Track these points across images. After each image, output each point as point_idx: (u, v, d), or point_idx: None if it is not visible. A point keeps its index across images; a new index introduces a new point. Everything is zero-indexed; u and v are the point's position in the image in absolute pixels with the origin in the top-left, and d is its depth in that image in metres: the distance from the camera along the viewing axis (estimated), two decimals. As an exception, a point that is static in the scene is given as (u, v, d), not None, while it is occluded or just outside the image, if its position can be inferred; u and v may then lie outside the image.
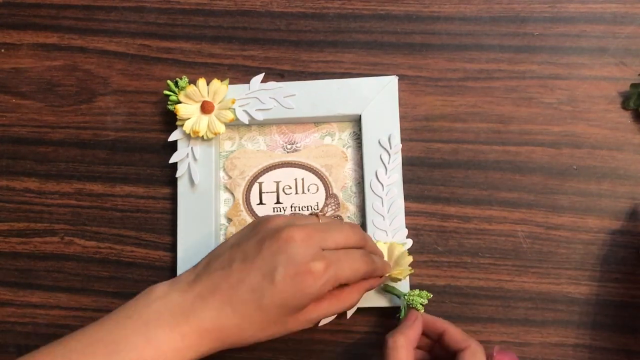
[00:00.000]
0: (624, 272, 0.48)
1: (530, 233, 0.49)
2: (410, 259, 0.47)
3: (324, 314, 0.41)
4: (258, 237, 0.40)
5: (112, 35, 0.55)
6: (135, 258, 0.52)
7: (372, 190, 0.49)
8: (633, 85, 0.50)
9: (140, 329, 0.38)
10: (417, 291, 0.47)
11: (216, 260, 0.41)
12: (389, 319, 0.48)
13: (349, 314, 0.48)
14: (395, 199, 0.49)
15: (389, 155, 0.49)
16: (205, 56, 0.54)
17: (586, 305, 0.48)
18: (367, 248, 0.44)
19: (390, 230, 0.49)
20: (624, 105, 0.50)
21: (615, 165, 0.50)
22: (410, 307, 0.46)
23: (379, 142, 0.49)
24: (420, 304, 0.46)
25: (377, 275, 0.44)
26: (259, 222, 0.42)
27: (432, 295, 0.47)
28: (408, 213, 0.50)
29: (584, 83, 0.51)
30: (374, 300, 0.48)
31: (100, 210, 0.53)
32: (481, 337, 0.48)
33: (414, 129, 0.51)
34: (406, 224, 0.49)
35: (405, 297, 0.46)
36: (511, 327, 0.48)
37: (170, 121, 0.52)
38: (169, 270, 0.51)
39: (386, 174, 0.49)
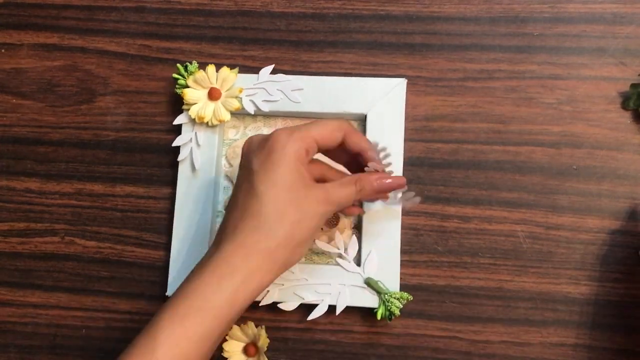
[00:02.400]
0: (624, 272, 0.48)
1: (530, 233, 0.49)
2: (266, 341, 0.47)
3: (332, 192, 0.41)
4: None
5: (112, 35, 0.55)
6: (136, 258, 0.52)
7: None
8: (633, 85, 0.50)
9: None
10: (398, 293, 0.47)
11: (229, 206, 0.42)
12: (389, 319, 0.48)
13: (339, 310, 0.48)
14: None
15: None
16: (205, 56, 0.54)
17: (586, 305, 0.48)
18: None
19: (384, 237, 0.49)
20: (624, 105, 0.50)
21: (615, 165, 0.50)
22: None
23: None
24: (397, 307, 0.47)
25: (357, 138, 0.43)
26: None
27: (412, 298, 0.47)
28: (407, 213, 0.50)
29: (584, 83, 0.51)
30: (374, 302, 0.48)
31: (100, 210, 0.53)
32: (481, 337, 0.48)
33: (414, 129, 0.51)
34: (406, 224, 0.49)
35: (385, 296, 0.47)
36: (511, 327, 0.48)
37: (171, 121, 0.52)
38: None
39: None
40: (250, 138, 0.42)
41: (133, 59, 0.54)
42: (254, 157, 0.40)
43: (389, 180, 0.43)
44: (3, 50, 0.56)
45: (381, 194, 0.44)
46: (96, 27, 0.55)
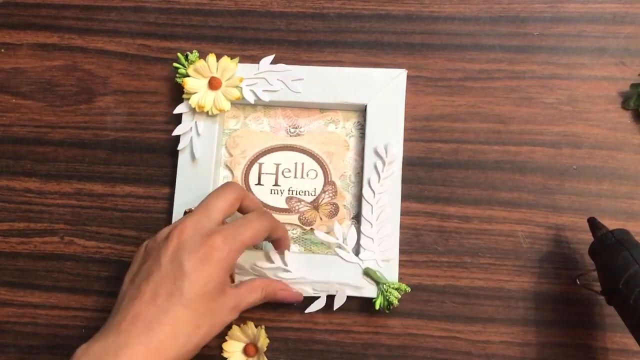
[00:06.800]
0: (624, 272, 0.48)
1: (530, 233, 0.49)
2: (265, 341, 0.48)
3: (242, 300, 0.43)
4: (152, 254, 0.41)
5: (112, 35, 0.55)
6: (135, 258, 0.52)
7: (370, 186, 0.49)
8: (633, 85, 0.50)
9: None
10: (396, 284, 0.47)
11: (122, 298, 0.40)
12: (389, 319, 0.48)
13: (336, 305, 0.48)
14: (384, 209, 0.49)
15: (384, 164, 0.49)
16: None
17: (586, 306, 0.48)
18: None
19: (377, 245, 0.49)
20: (624, 105, 0.50)
21: (615, 165, 0.50)
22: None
23: (375, 151, 0.49)
24: (395, 297, 0.47)
25: (280, 234, 0.46)
26: (145, 245, 0.43)
27: (410, 290, 0.47)
28: (407, 213, 0.50)
29: (584, 83, 0.51)
30: (373, 292, 0.48)
31: (100, 210, 0.53)
32: (481, 337, 0.48)
33: (414, 129, 0.51)
34: (406, 224, 0.49)
35: (383, 286, 0.47)
36: (511, 327, 0.48)
37: (171, 121, 0.52)
38: (169, 270, 0.51)
39: (379, 182, 0.49)
40: (184, 228, 0.41)
41: (133, 59, 0.54)
42: (186, 258, 0.40)
43: (292, 292, 0.48)
44: (3, 50, 0.56)
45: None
46: (96, 26, 0.55)
